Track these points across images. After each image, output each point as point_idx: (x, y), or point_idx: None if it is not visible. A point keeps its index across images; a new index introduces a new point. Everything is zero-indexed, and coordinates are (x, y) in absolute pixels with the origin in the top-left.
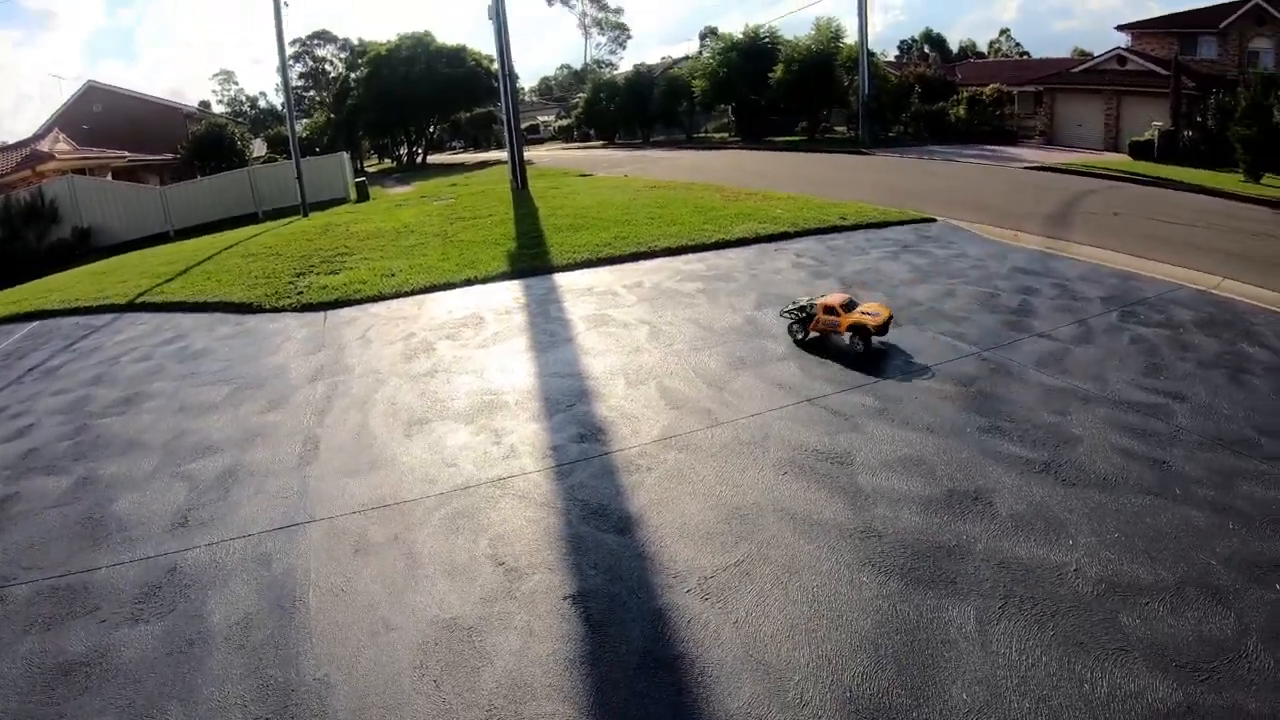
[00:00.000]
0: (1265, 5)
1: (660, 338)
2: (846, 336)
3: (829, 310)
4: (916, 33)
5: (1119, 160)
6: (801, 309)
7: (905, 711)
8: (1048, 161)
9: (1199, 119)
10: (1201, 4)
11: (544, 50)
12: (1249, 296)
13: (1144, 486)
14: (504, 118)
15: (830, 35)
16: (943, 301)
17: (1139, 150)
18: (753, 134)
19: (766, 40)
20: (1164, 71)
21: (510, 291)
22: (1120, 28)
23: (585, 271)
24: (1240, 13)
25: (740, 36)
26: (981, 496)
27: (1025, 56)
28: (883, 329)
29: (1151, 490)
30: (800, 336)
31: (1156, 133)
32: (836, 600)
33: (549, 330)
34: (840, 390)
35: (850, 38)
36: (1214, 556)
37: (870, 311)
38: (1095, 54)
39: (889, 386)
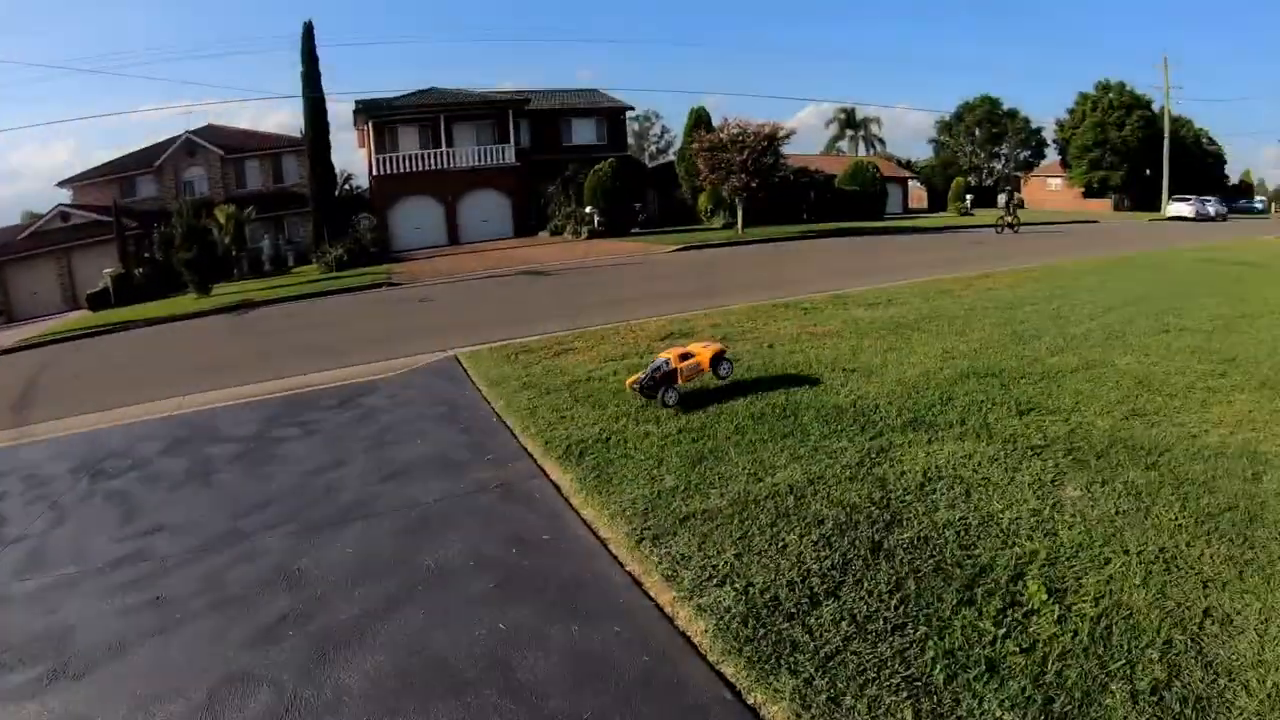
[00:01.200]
0: (194, 138)
1: None
2: (714, 369)
3: (685, 356)
4: None
5: (80, 318)
6: (656, 370)
7: None
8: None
9: (147, 255)
10: (138, 146)
11: None
12: (211, 402)
13: (149, 630)
14: None
15: None
16: None
17: (97, 301)
18: None
19: None
20: (108, 219)
21: None
22: (62, 183)
23: None
24: (172, 149)
25: None
26: None
27: None
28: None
29: (156, 630)
30: (673, 400)
31: (110, 279)
32: None
33: None
34: None
35: None
36: (244, 652)
37: (703, 343)
38: (44, 214)
39: None
